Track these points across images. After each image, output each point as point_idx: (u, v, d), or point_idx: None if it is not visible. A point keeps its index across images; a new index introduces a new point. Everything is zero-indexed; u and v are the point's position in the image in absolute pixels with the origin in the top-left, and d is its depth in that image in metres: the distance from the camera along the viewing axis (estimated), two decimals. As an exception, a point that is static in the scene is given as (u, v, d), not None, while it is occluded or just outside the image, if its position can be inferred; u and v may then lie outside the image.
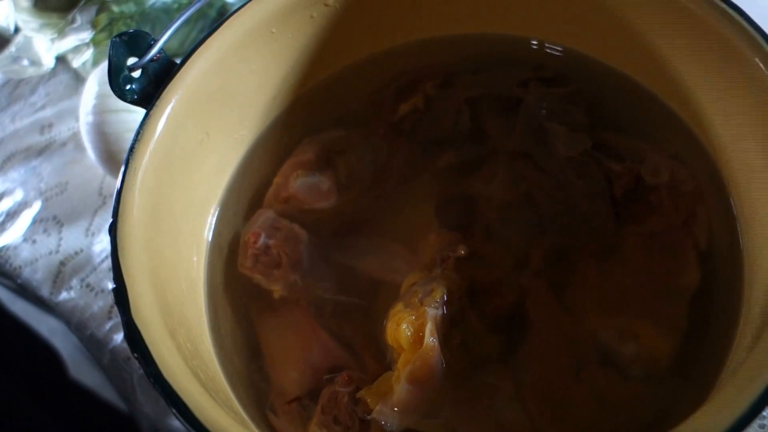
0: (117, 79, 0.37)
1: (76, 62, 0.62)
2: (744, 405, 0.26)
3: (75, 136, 0.61)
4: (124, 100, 0.38)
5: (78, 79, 0.64)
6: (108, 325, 0.52)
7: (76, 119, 0.62)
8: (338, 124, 0.44)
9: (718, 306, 0.37)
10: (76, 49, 0.62)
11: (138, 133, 0.36)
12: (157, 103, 0.37)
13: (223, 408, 0.29)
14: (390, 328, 0.36)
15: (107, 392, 0.91)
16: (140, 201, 0.34)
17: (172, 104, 0.37)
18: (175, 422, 0.56)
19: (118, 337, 0.51)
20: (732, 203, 0.38)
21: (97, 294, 0.53)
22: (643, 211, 0.40)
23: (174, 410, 0.28)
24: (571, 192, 0.40)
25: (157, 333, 0.30)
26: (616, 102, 0.44)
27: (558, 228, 0.40)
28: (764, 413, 0.40)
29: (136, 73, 0.38)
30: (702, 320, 0.36)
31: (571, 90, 0.43)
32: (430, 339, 0.34)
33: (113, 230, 0.33)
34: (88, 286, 0.53)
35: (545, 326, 0.37)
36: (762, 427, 0.40)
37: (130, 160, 0.35)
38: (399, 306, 0.36)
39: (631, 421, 0.35)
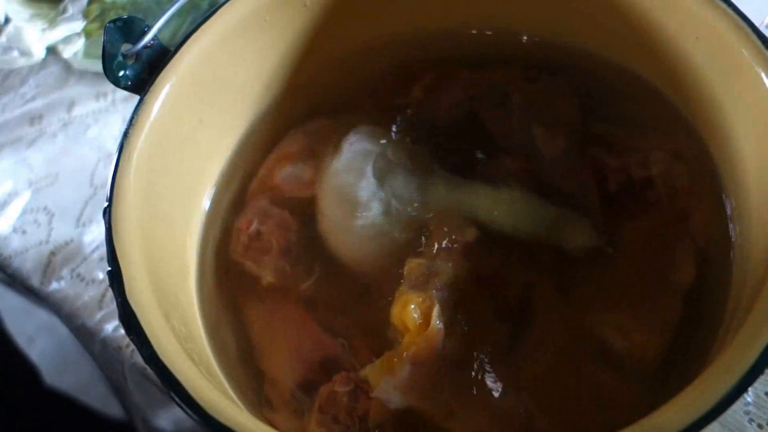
0: (111, 65, 0.37)
1: (66, 53, 0.62)
2: (722, 390, 0.26)
3: (65, 128, 0.61)
4: (118, 86, 0.38)
5: (69, 70, 0.64)
6: (99, 315, 0.52)
7: (67, 110, 0.62)
8: (332, 113, 0.45)
9: (709, 301, 0.37)
10: (67, 40, 0.62)
11: (132, 118, 0.36)
12: (151, 89, 0.37)
13: (219, 390, 0.29)
14: (396, 308, 0.36)
15: (88, 395, 0.91)
16: (135, 185, 0.34)
17: (165, 90, 0.37)
18: (165, 413, 0.56)
19: (109, 326, 0.51)
20: (726, 198, 0.38)
21: (87, 284, 0.53)
22: (640, 206, 0.40)
23: (170, 391, 0.28)
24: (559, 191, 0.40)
25: (151, 315, 0.30)
26: (615, 95, 0.44)
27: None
28: (748, 399, 0.41)
29: (130, 60, 0.38)
30: (693, 316, 0.37)
31: (558, 84, 0.43)
32: (437, 322, 0.35)
33: (108, 214, 0.33)
34: (78, 276, 0.53)
35: (549, 319, 0.38)
36: (747, 413, 0.41)
37: (125, 145, 0.35)
38: (405, 287, 0.37)
39: (625, 416, 0.35)
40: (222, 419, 0.28)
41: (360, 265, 0.41)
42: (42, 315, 0.95)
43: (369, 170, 0.41)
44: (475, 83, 0.45)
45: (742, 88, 0.35)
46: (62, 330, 0.57)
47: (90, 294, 0.52)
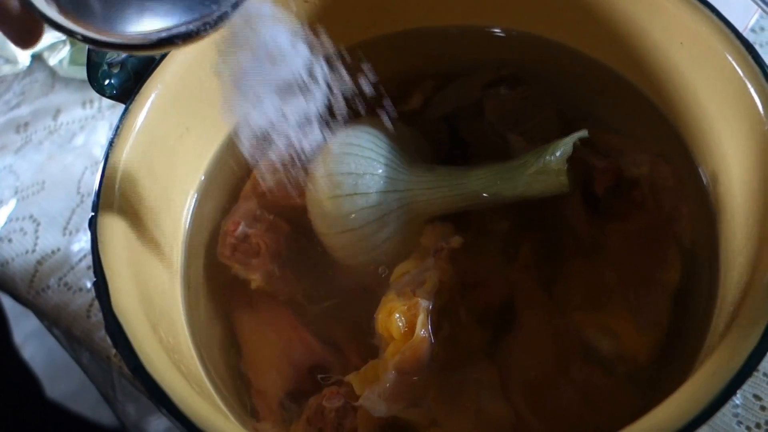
0: (95, 74, 0.37)
1: (52, 60, 0.62)
2: (712, 394, 0.26)
3: (51, 135, 0.61)
4: (103, 95, 0.38)
5: (54, 77, 0.64)
6: (87, 324, 0.51)
7: (53, 118, 0.62)
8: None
9: (697, 301, 0.37)
10: (53, 47, 0.61)
11: (117, 128, 0.36)
12: (136, 98, 0.37)
13: (206, 400, 0.29)
14: (381, 316, 0.36)
15: (79, 402, 0.90)
16: (120, 195, 0.34)
17: (151, 99, 0.37)
18: (156, 420, 0.56)
19: (97, 335, 0.51)
20: (711, 200, 0.38)
21: (75, 293, 0.52)
22: (627, 208, 0.40)
23: (158, 403, 0.28)
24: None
25: (138, 326, 0.30)
26: (600, 99, 0.44)
27: (541, 226, 0.41)
28: (737, 401, 0.41)
29: (115, 69, 0.37)
30: (682, 316, 0.37)
31: (536, 93, 0.44)
32: (422, 331, 0.35)
33: (93, 224, 0.33)
34: (65, 285, 0.53)
35: (532, 321, 0.38)
36: (736, 415, 0.41)
37: (110, 155, 0.35)
38: (391, 295, 0.37)
39: (616, 416, 0.35)
40: (209, 430, 0.28)
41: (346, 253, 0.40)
42: (31, 323, 0.94)
43: (364, 146, 0.40)
44: (451, 93, 0.45)
45: (726, 91, 0.35)
46: (51, 338, 0.56)
47: (77, 303, 0.52)
